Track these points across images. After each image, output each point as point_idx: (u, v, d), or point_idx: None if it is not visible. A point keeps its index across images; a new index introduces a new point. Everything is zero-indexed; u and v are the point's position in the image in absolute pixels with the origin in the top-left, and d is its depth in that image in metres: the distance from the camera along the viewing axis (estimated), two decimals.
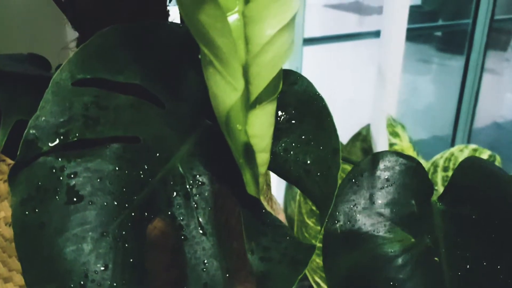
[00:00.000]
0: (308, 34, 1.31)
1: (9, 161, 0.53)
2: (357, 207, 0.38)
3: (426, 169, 1.14)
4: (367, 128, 1.35)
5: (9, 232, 0.52)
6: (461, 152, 1.09)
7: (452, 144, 2.00)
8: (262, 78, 0.29)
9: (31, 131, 0.31)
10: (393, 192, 0.39)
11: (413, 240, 0.37)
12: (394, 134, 1.15)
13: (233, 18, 0.33)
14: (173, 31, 0.39)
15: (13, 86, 0.44)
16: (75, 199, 0.30)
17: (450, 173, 1.12)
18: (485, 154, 1.05)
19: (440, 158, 1.10)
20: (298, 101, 0.38)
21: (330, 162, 0.35)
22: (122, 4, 0.53)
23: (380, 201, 0.39)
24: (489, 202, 0.41)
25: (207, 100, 0.32)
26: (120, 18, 0.53)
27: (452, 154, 1.10)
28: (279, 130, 0.38)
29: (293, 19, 0.29)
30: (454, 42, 2.13)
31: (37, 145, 0.31)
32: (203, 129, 0.38)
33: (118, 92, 0.34)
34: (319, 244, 0.37)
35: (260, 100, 0.30)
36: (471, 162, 0.43)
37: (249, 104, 0.30)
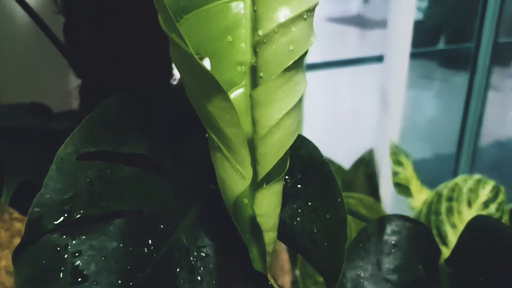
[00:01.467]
0: (310, 55, 1.31)
1: (11, 210, 0.53)
2: (364, 274, 0.38)
3: (430, 198, 1.13)
4: (370, 152, 1.35)
5: (9, 281, 0.52)
6: (465, 182, 1.09)
7: (457, 163, 1.99)
8: (269, 159, 0.29)
9: (35, 209, 0.31)
10: (400, 258, 0.39)
11: None
12: (398, 162, 1.15)
13: (238, 92, 0.33)
14: (176, 94, 0.39)
15: (16, 143, 0.44)
16: (79, 279, 0.30)
17: (454, 203, 1.12)
18: (489, 185, 1.05)
19: (444, 188, 1.10)
20: (304, 166, 0.38)
21: (337, 232, 0.35)
22: (125, 53, 0.53)
23: (387, 267, 0.38)
24: (497, 262, 0.40)
25: (211, 163, 0.31)
26: (123, 65, 0.53)
27: (456, 184, 1.09)
28: (285, 196, 0.38)
29: (299, 101, 0.29)
30: (458, 59, 2.13)
31: (41, 223, 0.30)
32: (208, 194, 0.37)
33: (122, 162, 0.34)
34: None
35: (267, 179, 0.29)
36: (479, 222, 0.42)
37: (256, 183, 0.30)
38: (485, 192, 1.10)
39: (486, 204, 1.09)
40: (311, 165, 0.38)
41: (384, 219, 0.40)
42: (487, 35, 1.51)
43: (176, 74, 0.59)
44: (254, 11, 0.28)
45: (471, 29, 1.63)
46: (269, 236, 0.31)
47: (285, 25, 0.28)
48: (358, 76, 1.52)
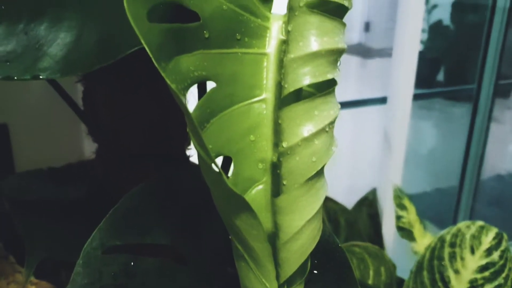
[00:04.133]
0: None
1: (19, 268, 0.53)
2: None
3: (433, 244, 1.14)
4: (373, 192, 1.36)
5: None
6: (468, 228, 1.10)
7: (459, 197, 1.99)
8: (291, 264, 0.30)
9: None
10: None
11: None
12: (401, 206, 1.16)
13: (259, 188, 0.34)
14: (195, 176, 0.40)
15: (35, 216, 0.45)
16: None
17: (457, 249, 1.13)
18: (492, 232, 1.06)
19: (447, 233, 1.10)
20: (320, 251, 0.39)
21: None
22: (142, 119, 0.54)
23: None
24: None
25: (228, 246, 0.32)
26: (140, 131, 0.55)
27: (459, 230, 1.10)
28: None
29: (321, 207, 0.30)
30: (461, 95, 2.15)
31: None
32: (226, 279, 0.38)
33: (145, 253, 0.35)
34: None
35: (289, 283, 0.31)
36: None
37: (278, 286, 0.31)
38: (488, 239, 1.11)
39: (489, 251, 1.10)
40: (327, 251, 0.39)
41: None
42: (488, 77, 1.54)
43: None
44: (279, 124, 0.30)
45: (473, 69, 1.65)
46: None
47: (308, 139, 0.29)
48: (361, 117, 1.54)
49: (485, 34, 1.62)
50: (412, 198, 1.22)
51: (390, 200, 1.26)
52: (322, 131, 0.30)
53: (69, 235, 0.40)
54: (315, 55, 0.29)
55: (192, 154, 0.63)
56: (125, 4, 0.26)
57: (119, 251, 0.34)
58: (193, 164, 0.50)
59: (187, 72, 0.31)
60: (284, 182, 0.30)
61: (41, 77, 0.31)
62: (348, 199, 1.34)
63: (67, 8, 0.33)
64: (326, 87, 0.30)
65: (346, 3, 0.30)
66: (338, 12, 0.31)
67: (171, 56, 0.30)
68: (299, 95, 0.31)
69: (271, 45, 0.35)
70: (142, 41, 0.26)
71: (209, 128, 0.32)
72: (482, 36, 1.63)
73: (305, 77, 0.29)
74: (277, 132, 0.30)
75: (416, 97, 1.30)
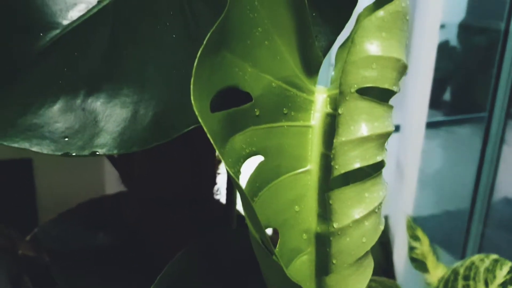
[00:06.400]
0: None
1: None
2: None
3: (446, 276, 1.15)
4: (385, 220, 1.37)
5: None
6: (482, 262, 1.11)
7: (469, 222, 1.99)
8: None
9: None
10: None
11: None
12: (414, 237, 1.17)
13: (303, 259, 0.35)
14: (235, 239, 0.41)
15: (74, 270, 0.46)
16: None
17: (470, 282, 1.14)
18: (506, 266, 1.07)
19: (460, 266, 1.11)
20: None
21: None
22: (173, 166, 0.56)
23: None
24: None
25: None
26: (173, 180, 0.56)
27: (472, 263, 1.11)
28: None
29: (367, 284, 0.31)
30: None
31: None
32: None
33: None
34: None
35: None
36: None
37: None
38: (502, 273, 1.12)
39: (504, 286, 1.11)
40: None
41: None
42: (501, 103, 1.55)
43: (219, 184, 0.61)
44: (329, 204, 0.31)
45: (484, 93, 1.66)
46: None
47: (359, 221, 0.30)
48: None
49: (497, 58, 1.62)
50: (423, 221, 1.23)
51: (403, 228, 1.27)
52: (372, 212, 0.31)
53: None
54: (365, 139, 0.31)
55: (220, 192, 0.65)
56: (192, 100, 0.27)
57: None
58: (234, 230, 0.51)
59: (240, 151, 0.32)
60: (334, 261, 0.31)
61: (98, 153, 0.32)
62: None
63: (123, 83, 0.34)
64: (375, 168, 0.32)
65: (395, 89, 0.31)
66: (387, 95, 0.32)
67: (228, 138, 0.31)
68: (348, 175, 0.32)
69: (316, 117, 0.36)
70: (207, 133, 0.27)
71: (257, 202, 0.34)
72: (493, 60, 1.63)
73: (356, 160, 0.31)
74: (328, 211, 0.31)
75: (429, 125, 1.32)
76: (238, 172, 0.31)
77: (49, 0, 0.36)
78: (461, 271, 1.11)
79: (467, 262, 1.12)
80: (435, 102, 1.60)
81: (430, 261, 1.14)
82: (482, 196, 1.90)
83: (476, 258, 1.11)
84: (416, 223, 1.16)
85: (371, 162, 0.31)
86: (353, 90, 0.31)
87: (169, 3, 0.37)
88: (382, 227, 0.32)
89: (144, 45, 0.36)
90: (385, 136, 0.31)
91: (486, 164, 1.77)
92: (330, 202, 0.31)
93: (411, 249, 1.15)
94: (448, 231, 2.17)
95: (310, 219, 0.36)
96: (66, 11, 0.36)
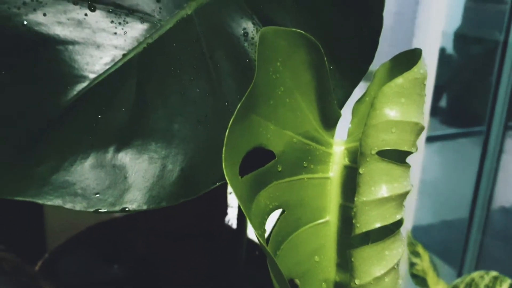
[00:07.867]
0: None
1: None
2: None
3: None
4: None
5: None
6: (482, 278, 1.13)
7: (468, 231, 2.01)
8: None
9: None
10: None
11: None
12: (415, 253, 1.19)
13: None
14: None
15: None
16: None
17: None
18: (506, 283, 1.09)
19: (460, 282, 1.13)
20: None
21: None
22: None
23: None
24: None
25: None
26: (185, 214, 0.57)
27: (472, 280, 1.13)
28: None
29: None
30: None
31: None
32: None
33: None
34: None
35: None
36: None
37: None
38: None
39: None
40: None
41: None
42: (498, 120, 1.58)
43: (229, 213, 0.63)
44: (351, 261, 0.33)
45: (483, 104, 1.68)
46: None
47: (380, 278, 0.32)
48: None
49: (496, 69, 1.63)
50: (422, 231, 1.24)
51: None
52: (392, 269, 0.33)
53: None
54: (385, 200, 0.32)
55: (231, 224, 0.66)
56: (224, 168, 0.29)
57: None
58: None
59: (264, 208, 0.34)
60: None
61: (128, 209, 0.34)
62: None
63: (151, 138, 0.35)
64: (395, 225, 0.33)
65: (413, 150, 0.33)
66: (405, 156, 0.34)
67: (254, 197, 0.33)
68: (369, 232, 0.33)
69: (334, 169, 0.38)
70: (237, 198, 0.29)
71: (279, 255, 0.35)
72: (491, 70, 1.64)
73: (376, 220, 0.32)
74: (350, 268, 0.33)
75: (429, 139, 1.33)
76: (263, 233, 0.33)
77: (76, 54, 0.37)
78: (461, 287, 1.12)
79: (467, 278, 1.14)
80: (433, 112, 1.62)
81: (431, 277, 1.17)
82: (480, 206, 1.92)
83: (476, 274, 1.13)
84: (415, 233, 1.18)
85: (390, 221, 0.33)
86: (373, 152, 0.32)
87: (192, 56, 0.39)
88: (401, 281, 0.34)
89: (169, 99, 0.37)
90: (404, 195, 0.33)
91: (484, 174, 1.79)
92: (352, 259, 0.33)
93: (412, 265, 1.17)
94: (447, 241, 2.19)
95: (329, 269, 0.37)
96: (92, 65, 0.37)
